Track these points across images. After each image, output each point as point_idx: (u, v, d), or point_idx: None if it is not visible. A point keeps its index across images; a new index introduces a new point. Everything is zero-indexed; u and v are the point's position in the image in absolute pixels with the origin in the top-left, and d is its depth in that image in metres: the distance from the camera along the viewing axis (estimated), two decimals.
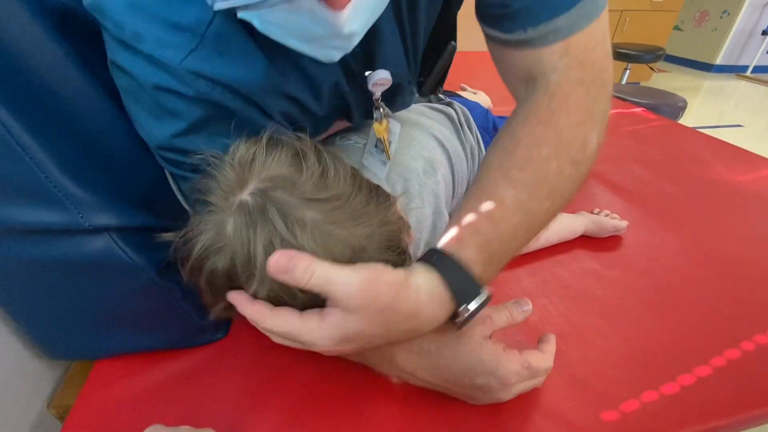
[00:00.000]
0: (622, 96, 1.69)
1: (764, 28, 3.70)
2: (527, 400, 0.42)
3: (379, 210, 0.32)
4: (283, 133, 0.33)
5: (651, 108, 1.41)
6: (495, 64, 0.43)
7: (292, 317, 0.30)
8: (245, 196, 0.29)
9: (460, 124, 0.66)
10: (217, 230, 0.29)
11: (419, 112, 0.69)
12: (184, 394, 0.42)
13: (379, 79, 0.42)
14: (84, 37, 0.39)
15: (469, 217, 0.34)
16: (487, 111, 0.78)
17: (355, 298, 0.28)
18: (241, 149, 0.31)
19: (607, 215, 0.69)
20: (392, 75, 0.43)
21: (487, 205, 0.34)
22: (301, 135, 0.33)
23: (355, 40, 0.31)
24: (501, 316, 0.38)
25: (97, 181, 0.37)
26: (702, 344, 0.49)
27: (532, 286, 0.58)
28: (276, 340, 0.32)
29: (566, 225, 0.67)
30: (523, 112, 0.38)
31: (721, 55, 3.87)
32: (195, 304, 0.43)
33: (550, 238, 0.66)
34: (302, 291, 0.29)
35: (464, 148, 0.63)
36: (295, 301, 0.31)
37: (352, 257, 0.30)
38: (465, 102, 0.78)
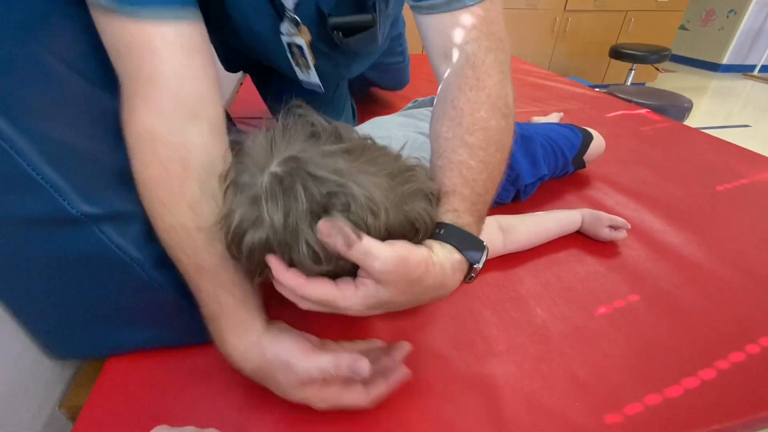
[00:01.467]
0: (626, 97, 1.68)
1: None
2: (531, 402, 0.43)
3: (390, 157, 0.36)
4: (294, 114, 0.35)
5: (656, 109, 1.40)
6: (423, 44, 0.50)
7: (328, 285, 0.32)
8: (274, 167, 0.31)
9: None
10: (251, 203, 0.31)
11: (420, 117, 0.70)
12: (192, 394, 0.43)
13: None
14: (66, 26, 0.40)
15: (451, 186, 0.39)
16: None
17: (389, 273, 0.31)
18: (260, 134, 0.33)
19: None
20: None
21: (460, 172, 0.39)
22: (307, 110, 0.36)
23: None
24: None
25: (84, 168, 0.37)
26: (706, 347, 0.50)
27: (536, 288, 0.58)
28: (305, 306, 0.34)
29: (565, 216, 0.68)
30: (456, 82, 0.44)
31: (727, 54, 3.84)
32: (193, 299, 0.43)
33: (551, 230, 0.67)
34: (338, 259, 0.31)
35: None
36: (328, 266, 0.32)
37: (386, 196, 0.32)
38: None
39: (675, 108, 1.72)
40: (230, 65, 0.89)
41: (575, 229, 0.69)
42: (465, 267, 0.37)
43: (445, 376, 0.45)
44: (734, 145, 1.06)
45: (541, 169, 0.75)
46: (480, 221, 0.39)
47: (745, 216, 0.76)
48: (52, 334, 0.44)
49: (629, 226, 0.67)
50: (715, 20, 3.86)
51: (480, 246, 0.37)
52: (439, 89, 0.47)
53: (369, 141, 0.36)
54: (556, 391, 0.44)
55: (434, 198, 0.37)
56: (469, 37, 0.44)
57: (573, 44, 3.07)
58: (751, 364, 0.48)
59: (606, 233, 0.66)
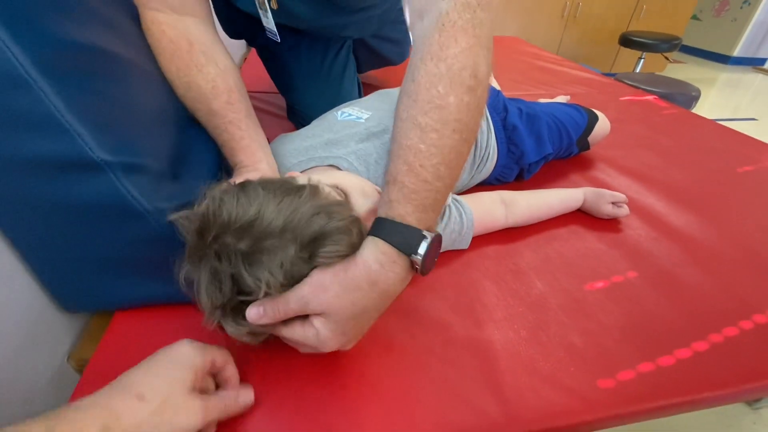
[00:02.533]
0: (634, 83, 1.66)
1: None
2: (527, 366, 0.44)
3: (294, 197, 0.36)
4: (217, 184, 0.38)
5: (664, 96, 1.39)
6: (404, 5, 0.46)
7: (296, 329, 0.37)
8: (207, 249, 0.34)
9: None
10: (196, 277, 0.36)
11: None
12: None
13: None
14: None
15: (393, 175, 0.37)
16: (498, 91, 0.78)
17: (316, 303, 0.34)
18: (194, 213, 0.36)
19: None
20: None
21: (406, 159, 0.37)
22: (226, 181, 0.40)
23: None
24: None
25: (104, 116, 0.38)
26: (701, 322, 0.51)
27: (536, 262, 0.59)
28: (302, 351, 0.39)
29: (567, 193, 0.69)
30: (421, 50, 0.39)
31: (739, 46, 3.77)
32: None
33: (553, 206, 0.67)
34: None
35: None
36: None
37: (282, 263, 0.34)
38: None
39: (683, 96, 1.70)
40: (229, 27, 0.85)
41: (577, 207, 0.69)
42: (400, 259, 0.35)
43: (445, 339, 0.46)
44: (739, 132, 1.05)
45: (545, 148, 0.75)
46: (426, 210, 0.36)
47: (749, 200, 0.77)
48: (64, 284, 0.45)
49: (627, 199, 0.68)
50: (729, 11, 3.78)
51: (415, 235, 0.35)
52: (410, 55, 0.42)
53: (273, 191, 0.36)
54: (552, 357, 0.45)
55: (354, 225, 0.37)
56: None
57: (583, 30, 3.02)
58: (743, 339, 0.49)
59: (609, 210, 0.67)
